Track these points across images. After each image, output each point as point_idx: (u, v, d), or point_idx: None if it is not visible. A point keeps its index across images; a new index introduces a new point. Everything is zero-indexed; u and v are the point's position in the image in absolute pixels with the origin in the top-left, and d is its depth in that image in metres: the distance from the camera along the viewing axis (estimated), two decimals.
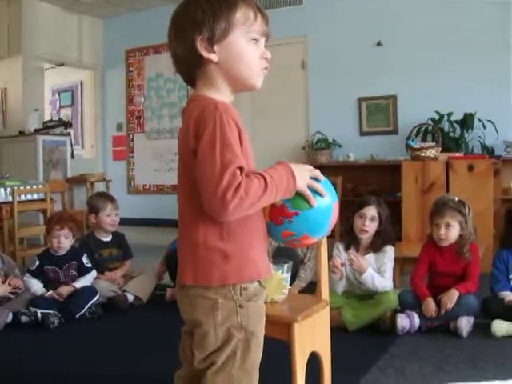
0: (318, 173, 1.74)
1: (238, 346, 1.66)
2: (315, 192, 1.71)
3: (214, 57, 1.63)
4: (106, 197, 4.98)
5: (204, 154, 1.53)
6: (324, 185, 1.75)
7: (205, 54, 1.63)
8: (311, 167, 1.72)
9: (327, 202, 1.74)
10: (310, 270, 4.44)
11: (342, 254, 3.94)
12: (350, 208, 4.04)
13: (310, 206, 1.69)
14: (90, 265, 4.37)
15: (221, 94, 1.66)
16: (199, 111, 1.58)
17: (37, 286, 4.20)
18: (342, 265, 3.79)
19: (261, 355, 1.74)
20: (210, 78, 1.67)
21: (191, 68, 1.68)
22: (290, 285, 2.57)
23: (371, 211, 3.88)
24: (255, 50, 1.68)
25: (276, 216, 1.73)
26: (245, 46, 1.66)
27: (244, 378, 1.68)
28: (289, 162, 1.66)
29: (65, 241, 4.27)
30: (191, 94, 1.72)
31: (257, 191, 1.53)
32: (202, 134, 1.54)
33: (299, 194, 1.68)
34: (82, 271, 4.32)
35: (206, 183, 1.53)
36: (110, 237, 4.81)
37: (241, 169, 1.53)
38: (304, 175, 1.68)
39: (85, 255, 4.38)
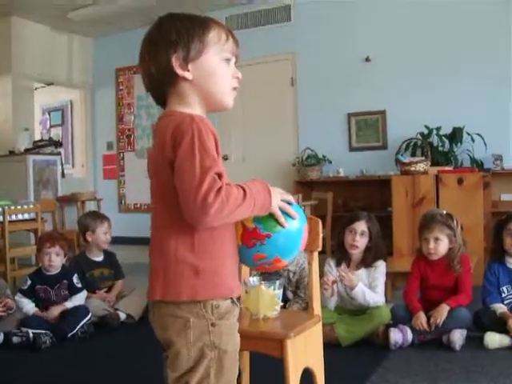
0: (289, 197, 1.76)
1: (211, 365, 1.65)
2: (286, 215, 1.73)
3: (188, 75, 1.66)
4: (101, 215, 4.99)
5: (183, 160, 1.54)
6: (294, 208, 1.77)
7: (180, 72, 1.66)
8: (282, 190, 1.75)
9: (298, 225, 1.77)
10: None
11: (333, 270, 3.94)
12: (340, 223, 4.04)
13: (282, 227, 1.72)
14: (80, 285, 4.35)
15: (193, 111, 1.67)
16: (176, 124, 1.59)
17: (28, 306, 4.17)
18: (334, 282, 3.79)
19: (236, 373, 1.72)
20: (183, 95, 1.69)
21: (164, 86, 1.70)
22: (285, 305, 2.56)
23: (361, 226, 3.89)
24: (227, 69, 1.72)
25: (248, 239, 1.73)
26: (217, 65, 1.69)
27: None
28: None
29: (56, 258, 4.25)
30: (164, 111, 1.73)
31: (236, 199, 1.54)
32: (180, 142, 1.55)
33: (271, 216, 1.70)
34: (73, 291, 4.30)
35: (186, 189, 1.53)
36: (102, 256, 4.80)
37: (219, 175, 1.54)
38: (277, 196, 1.70)
39: (75, 275, 4.35)
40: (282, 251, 1.75)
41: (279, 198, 1.71)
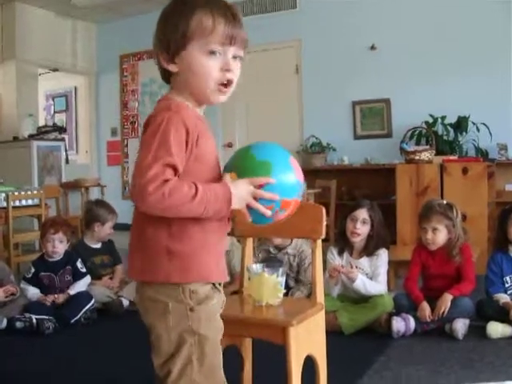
0: (261, 179, 1.64)
1: (192, 351, 1.65)
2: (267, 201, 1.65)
3: (172, 67, 1.67)
4: (113, 209, 4.96)
5: (142, 144, 1.57)
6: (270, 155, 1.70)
7: (164, 64, 1.67)
8: (250, 179, 1.64)
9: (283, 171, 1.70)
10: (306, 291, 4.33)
11: (335, 259, 3.95)
12: (343, 212, 4.04)
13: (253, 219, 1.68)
14: (84, 269, 4.36)
15: (186, 100, 1.68)
16: (156, 109, 1.63)
17: (33, 292, 4.18)
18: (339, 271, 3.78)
19: (220, 359, 1.72)
20: (175, 86, 1.71)
21: (164, 75, 1.74)
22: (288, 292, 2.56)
23: (362, 214, 3.89)
24: (211, 63, 1.63)
25: None
26: (198, 61, 1.63)
27: (203, 380, 1.67)
28: (232, 181, 1.62)
29: (59, 245, 4.26)
30: (162, 95, 1.75)
31: (183, 198, 1.52)
32: (147, 128, 1.59)
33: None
34: (77, 276, 4.31)
35: (135, 170, 1.54)
36: (100, 244, 4.80)
37: (173, 168, 1.54)
38: (243, 196, 1.61)
39: (79, 260, 4.36)
40: (286, 192, 1.69)
41: (248, 191, 1.62)
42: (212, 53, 1.62)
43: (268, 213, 1.65)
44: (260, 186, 1.63)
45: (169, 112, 1.58)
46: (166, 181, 1.51)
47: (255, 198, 1.62)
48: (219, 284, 1.76)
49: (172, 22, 1.64)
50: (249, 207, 1.64)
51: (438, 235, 3.75)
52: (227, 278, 1.81)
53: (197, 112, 1.70)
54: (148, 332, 1.72)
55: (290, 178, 1.71)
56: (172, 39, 1.63)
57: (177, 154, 1.55)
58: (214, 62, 1.63)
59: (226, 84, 1.66)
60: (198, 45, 1.62)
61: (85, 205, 5.39)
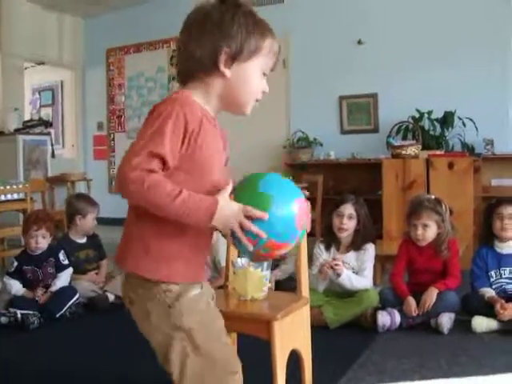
0: (256, 213, 1.60)
1: (184, 345, 1.66)
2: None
3: (228, 73, 1.66)
4: (93, 200, 4.94)
5: (139, 130, 1.59)
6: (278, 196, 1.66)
7: (222, 66, 1.65)
8: (247, 210, 1.60)
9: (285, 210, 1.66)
10: (291, 264, 4.37)
11: (323, 254, 3.95)
12: (330, 206, 4.04)
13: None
14: (66, 262, 4.33)
15: (206, 103, 1.68)
16: (162, 101, 1.63)
17: (17, 287, 4.15)
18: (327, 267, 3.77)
19: (219, 345, 1.73)
20: (208, 87, 1.69)
21: (200, 70, 1.68)
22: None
23: (348, 209, 3.89)
24: (261, 82, 1.73)
25: None
26: (256, 77, 1.71)
27: (208, 372, 1.69)
28: (225, 201, 1.60)
29: (42, 240, 4.23)
30: (178, 89, 1.72)
31: (163, 195, 1.52)
32: (149, 116, 1.60)
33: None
34: (59, 268, 4.28)
35: (125, 154, 1.56)
36: (85, 238, 4.78)
37: (161, 159, 1.54)
38: (229, 219, 1.59)
39: (62, 252, 4.33)
40: (276, 234, 1.64)
41: (236, 217, 1.59)
42: (264, 74, 1.74)
43: (249, 246, 1.62)
44: (251, 218, 1.60)
45: (173, 104, 1.58)
46: (150, 171, 1.51)
47: (242, 227, 1.60)
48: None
49: (247, 31, 1.65)
50: (232, 232, 1.62)
51: (428, 231, 3.76)
52: (204, 279, 1.81)
53: (208, 112, 1.69)
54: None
55: (287, 221, 1.66)
56: (246, 47, 1.65)
57: (170, 147, 1.54)
58: (261, 82, 1.74)
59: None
60: (260, 62, 1.69)
61: (66, 200, 5.36)
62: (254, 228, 1.59)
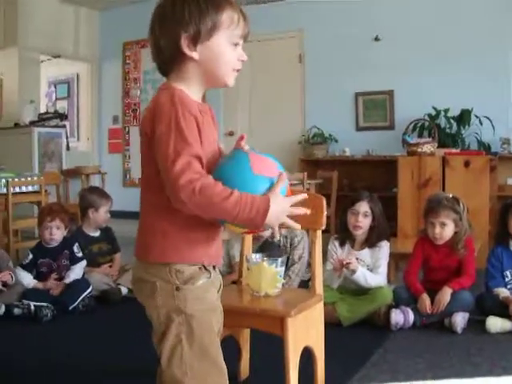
0: (298, 197, 1.67)
1: (180, 329, 1.68)
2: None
3: (195, 55, 1.68)
4: (106, 194, 4.96)
5: (159, 143, 1.58)
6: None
7: (187, 51, 1.67)
8: (293, 199, 1.65)
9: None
10: (295, 276, 4.33)
11: (337, 250, 3.94)
12: (343, 205, 4.03)
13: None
14: (80, 254, 4.36)
15: (188, 88, 1.70)
16: (159, 103, 1.63)
17: (27, 279, 4.18)
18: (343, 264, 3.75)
19: (213, 340, 1.72)
20: (184, 73, 1.71)
21: (170, 61, 1.72)
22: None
23: (363, 207, 3.87)
24: (234, 53, 1.73)
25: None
26: (225, 49, 1.71)
27: (196, 363, 1.68)
28: (276, 197, 1.60)
29: (57, 232, 4.26)
30: (163, 83, 1.75)
31: (215, 196, 1.53)
32: (158, 124, 1.59)
33: None
34: (73, 261, 4.31)
35: (162, 172, 1.58)
36: (99, 232, 4.79)
37: (197, 158, 1.57)
38: (279, 214, 1.61)
39: (76, 244, 4.36)
40: None
41: (286, 210, 1.63)
42: (235, 44, 1.72)
43: (298, 226, 1.69)
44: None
45: (174, 105, 1.59)
46: (198, 173, 1.54)
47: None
48: (212, 268, 1.77)
49: (200, 12, 1.66)
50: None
51: (446, 230, 3.73)
52: (221, 262, 1.82)
53: (197, 102, 1.71)
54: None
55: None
56: (203, 28, 1.66)
57: (195, 144, 1.58)
58: (235, 52, 1.73)
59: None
60: (225, 36, 1.69)
61: (79, 193, 5.38)
62: (301, 211, 1.66)
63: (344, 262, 3.69)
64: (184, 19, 1.65)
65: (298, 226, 1.68)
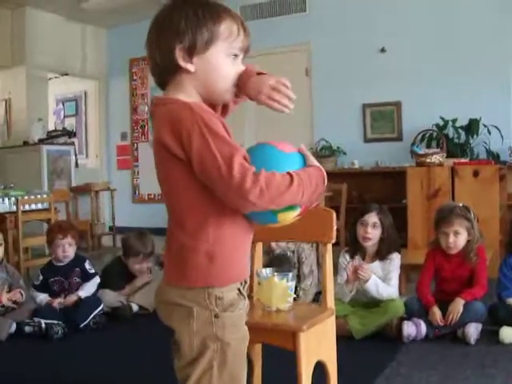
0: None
1: (214, 357, 1.63)
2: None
3: (190, 67, 1.62)
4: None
5: (203, 158, 1.49)
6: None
7: (182, 63, 1.61)
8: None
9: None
10: (307, 290, 4.32)
11: (348, 263, 3.92)
12: (352, 217, 4.02)
13: None
14: (92, 270, 4.37)
15: (189, 98, 1.63)
16: (175, 119, 1.54)
17: (41, 297, 4.18)
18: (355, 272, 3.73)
19: (243, 369, 1.70)
20: (181, 85, 1.65)
21: (166, 73, 1.66)
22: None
23: (372, 218, 3.86)
24: (232, 66, 1.66)
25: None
26: (223, 62, 1.64)
27: None
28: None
29: (69, 249, 4.26)
30: (159, 97, 1.68)
31: (280, 186, 1.49)
32: (191, 141, 1.50)
33: None
34: (86, 277, 4.31)
35: (219, 183, 1.49)
36: None
37: (245, 156, 1.51)
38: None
39: (87, 261, 4.36)
40: None
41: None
42: (234, 56, 1.66)
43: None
44: None
45: (195, 114, 1.52)
46: (258, 175, 1.47)
47: None
48: (243, 288, 1.74)
49: (197, 23, 1.60)
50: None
51: (460, 238, 3.71)
52: (248, 274, 1.79)
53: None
54: (171, 334, 1.70)
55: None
56: (199, 38, 1.60)
57: (234, 143, 1.52)
58: (233, 65, 1.67)
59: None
60: (223, 47, 1.63)
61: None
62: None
63: (358, 269, 3.67)
64: (180, 29, 1.60)
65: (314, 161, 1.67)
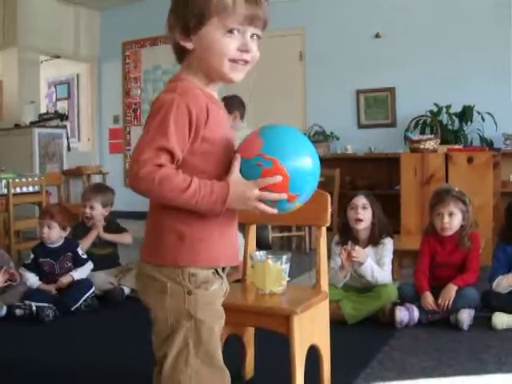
0: (268, 181, 1.58)
1: (188, 335, 1.65)
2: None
3: (189, 45, 1.65)
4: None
5: (144, 127, 1.58)
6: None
7: (181, 42, 1.65)
8: (259, 183, 1.58)
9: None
10: None
11: (343, 248, 3.90)
12: (345, 202, 4.01)
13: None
14: (85, 256, 4.33)
15: (198, 80, 1.67)
16: (160, 94, 1.63)
17: (33, 279, 4.14)
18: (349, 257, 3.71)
19: (217, 346, 1.70)
20: (188, 64, 1.69)
21: (178, 53, 1.71)
22: None
23: (361, 200, 3.85)
24: (230, 42, 1.62)
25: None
26: (217, 40, 1.61)
27: (201, 369, 1.66)
28: (235, 182, 1.58)
29: (48, 231, 4.20)
30: (174, 75, 1.74)
31: (173, 188, 1.52)
32: (150, 110, 1.60)
33: None
34: (78, 262, 4.27)
35: (132, 153, 1.58)
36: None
37: (169, 152, 1.53)
38: (243, 199, 1.58)
39: (80, 246, 4.33)
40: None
41: (251, 195, 1.57)
42: (230, 31, 1.61)
43: (274, 211, 1.63)
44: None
45: (173, 94, 1.57)
46: (160, 166, 1.51)
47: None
48: (223, 271, 1.75)
49: (190, 2, 1.61)
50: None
51: (455, 219, 3.71)
52: (239, 261, 1.79)
53: (208, 93, 1.68)
54: (149, 313, 1.72)
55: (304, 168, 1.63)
56: (190, 16, 1.61)
57: (175, 139, 1.54)
58: (232, 40, 1.62)
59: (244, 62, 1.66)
60: (217, 23, 1.60)
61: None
62: (273, 196, 1.58)
63: (352, 253, 3.65)
64: (177, 11, 1.65)
65: (272, 211, 1.62)
